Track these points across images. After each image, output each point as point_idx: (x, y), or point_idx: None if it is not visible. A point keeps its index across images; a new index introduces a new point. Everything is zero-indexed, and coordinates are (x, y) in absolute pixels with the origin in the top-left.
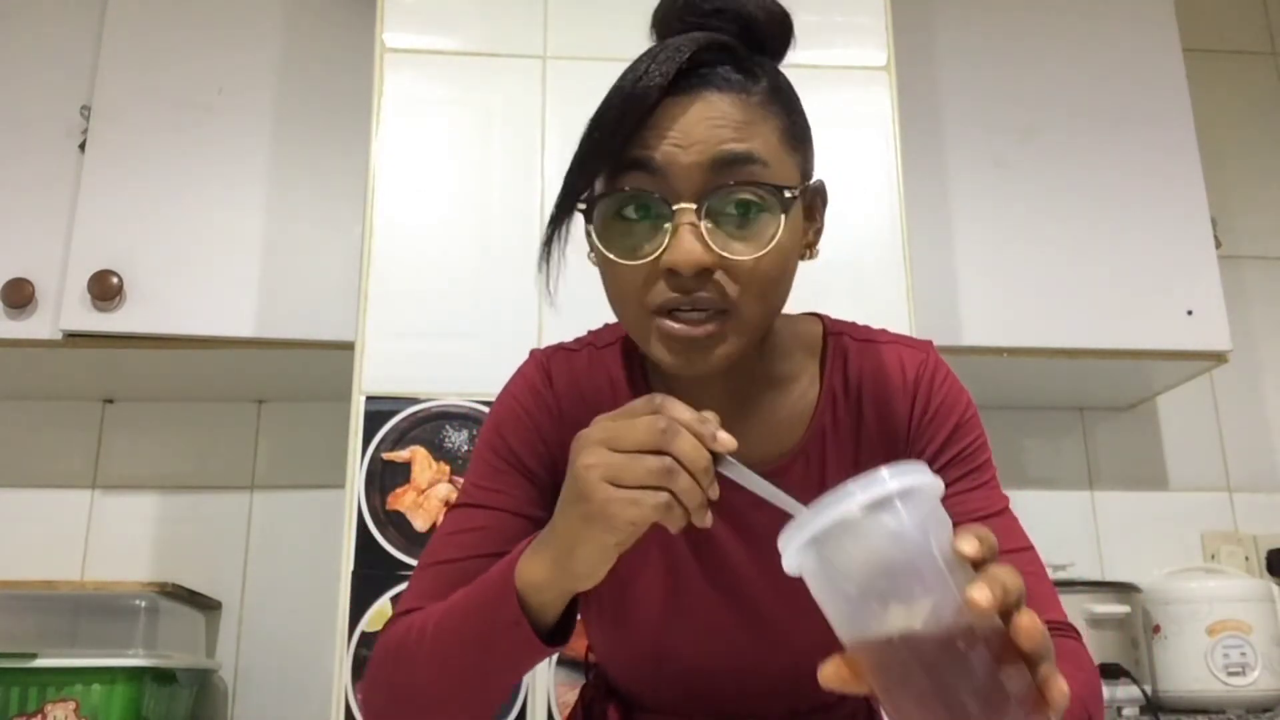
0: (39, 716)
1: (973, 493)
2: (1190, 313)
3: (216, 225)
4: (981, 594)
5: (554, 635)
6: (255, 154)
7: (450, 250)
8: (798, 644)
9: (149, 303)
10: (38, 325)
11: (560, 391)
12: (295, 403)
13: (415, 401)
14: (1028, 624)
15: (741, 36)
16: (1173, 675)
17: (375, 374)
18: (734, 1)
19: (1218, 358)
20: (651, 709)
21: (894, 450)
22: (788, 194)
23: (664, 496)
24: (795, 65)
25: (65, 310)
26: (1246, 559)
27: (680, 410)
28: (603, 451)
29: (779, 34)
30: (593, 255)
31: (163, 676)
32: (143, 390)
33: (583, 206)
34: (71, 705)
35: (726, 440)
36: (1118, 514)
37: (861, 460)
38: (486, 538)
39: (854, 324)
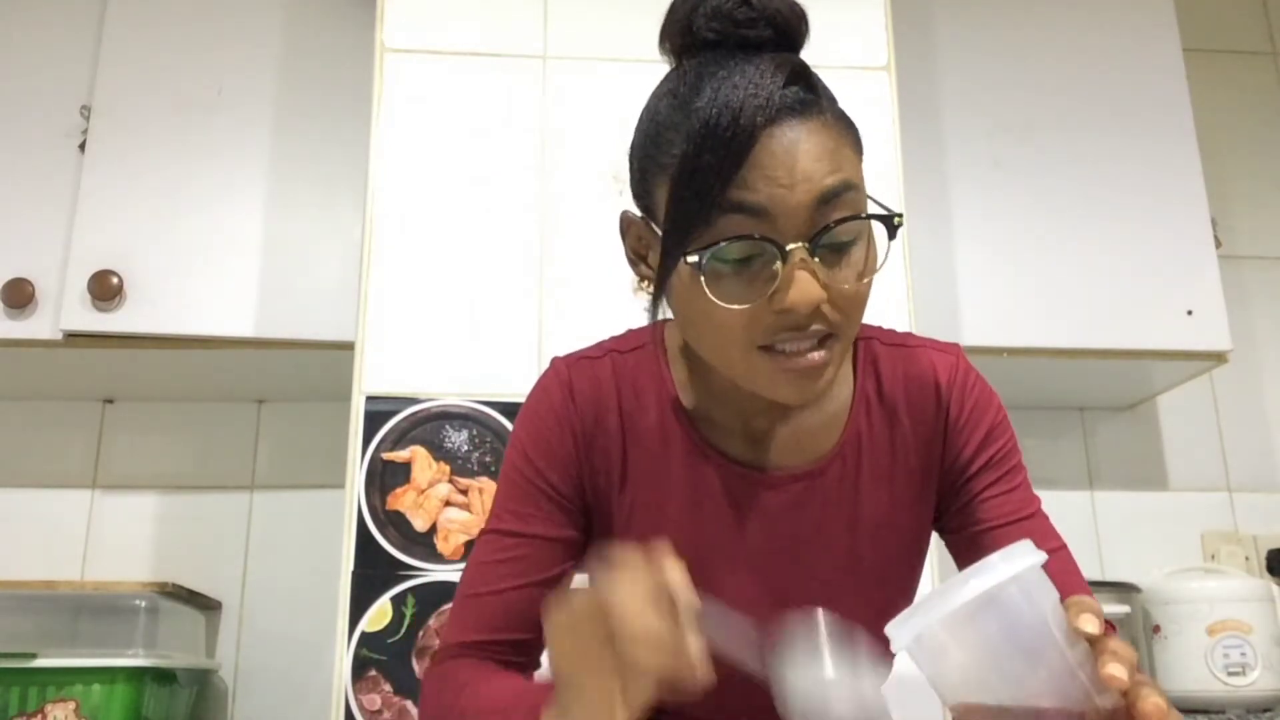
0: (39, 716)
1: (1008, 495)
2: (1190, 313)
3: (216, 225)
4: (1119, 671)
5: None
6: (255, 154)
7: (450, 250)
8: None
9: (149, 303)
10: (38, 325)
11: (582, 405)
12: (295, 403)
13: (415, 401)
14: (1151, 709)
15: (779, 41)
16: (1173, 675)
17: (375, 374)
18: (765, 6)
19: (1218, 358)
20: (671, 708)
21: (929, 454)
22: (889, 221)
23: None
24: None
25: (65, 310)
26: (1246, 559)
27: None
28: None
29: (804, 29)
30: (645, 285)
31: (163, 676)
32: (143, 390)
33: (694, 259)
34: (71, 705)
35: (705, 678)
36: (1118, 514)
37: (896, 464)
38: (526, 567)
39: (881, 328)
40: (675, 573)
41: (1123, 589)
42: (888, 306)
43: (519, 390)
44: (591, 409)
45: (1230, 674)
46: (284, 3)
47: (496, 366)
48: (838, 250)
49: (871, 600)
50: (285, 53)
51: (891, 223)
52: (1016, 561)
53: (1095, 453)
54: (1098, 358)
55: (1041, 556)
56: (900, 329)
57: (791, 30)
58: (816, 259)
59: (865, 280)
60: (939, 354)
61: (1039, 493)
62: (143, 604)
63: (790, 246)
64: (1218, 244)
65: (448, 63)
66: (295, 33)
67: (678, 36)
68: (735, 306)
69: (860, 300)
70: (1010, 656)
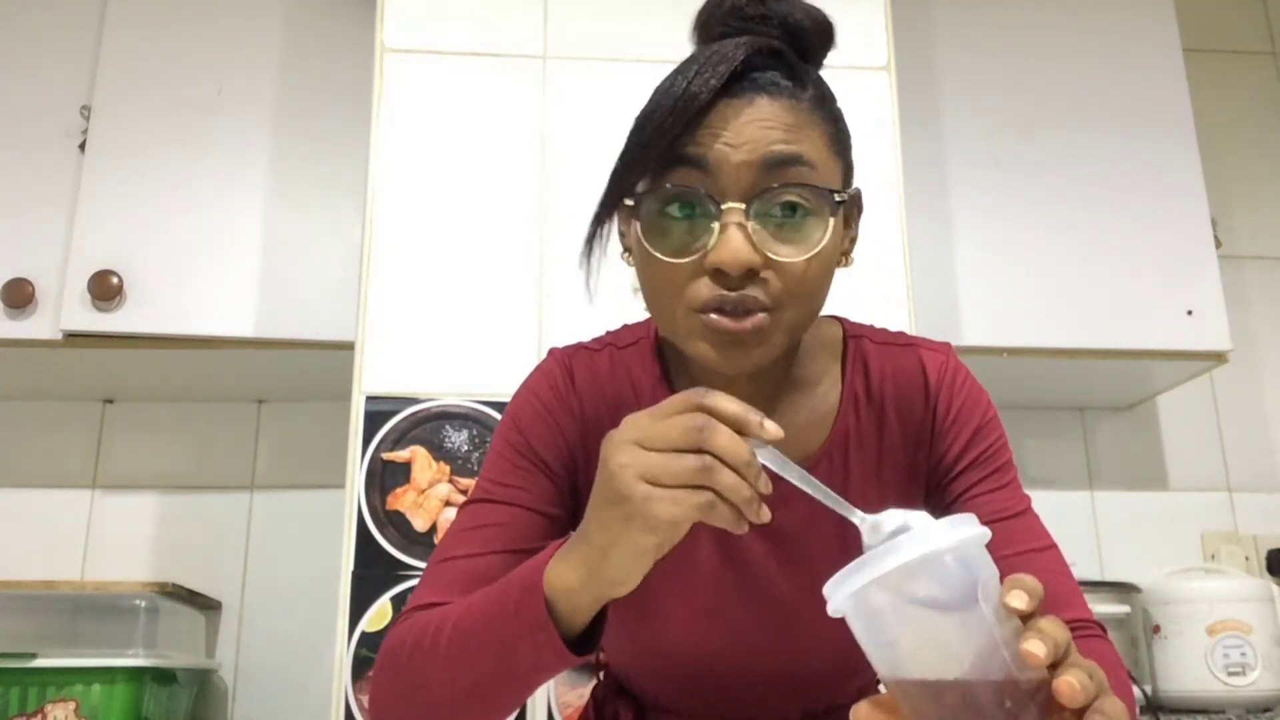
0: (39, 716)
1: (996, 494)
2: (1190, 313)
3: (216, 225)
4: (1036, 648)
5: (579, 644)
6: (255, 154)
7: (450, 250)
8: (816, 642)
9: (149, 303)
10: (38, 325)
11: (582, 391)
12: (295, 403)
13: (415, 401)
14: (1069, 688)
15: (788, 44)
16: (1173, 675)
17: (375, 374)
18: (780, 8)
19: (1218, 358)
20: (666, 709)
21: (917, 452)
22: (836, 197)
23: (706, 495)
24: None
25: (65, 310)
26: (1246, 559)
27: (723, 402)
28: (637, 451)
29: (823, 43)
30: (627, 255)
31: (163, 676)
32: (143, 390)
33: (631, 203)
34: (71, 705)
35: (774, 429)
36: (1118, 514)
37: (884, 462)
38: (503, 534)
39: (873, 326)
40: (744, 408)
41: (1123, 589)
42: (888, 306)
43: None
44: (591, 396)
45: (1230, 674)
46: (284, 3)
47: (496, 366)
48: (783, 222)
49: None
50: (285, 53)
51: (831, 198)
52: (957, 531)
53: (1095, 453)
54: (1098, 358)
55: (983, 531)
56: (898, 328)
57: (804, 37)
58: (755, 223)
59: (810, 258)
60: (929, 352)
61: (1039, 493)
62: (143, 604)
63: (726, 205)
64: (1218, 244)
65: (448, 63)
66: (295, 33)
67: (699, 33)
68: (671, 260)
69: (807, 279)
70: (940, 625)
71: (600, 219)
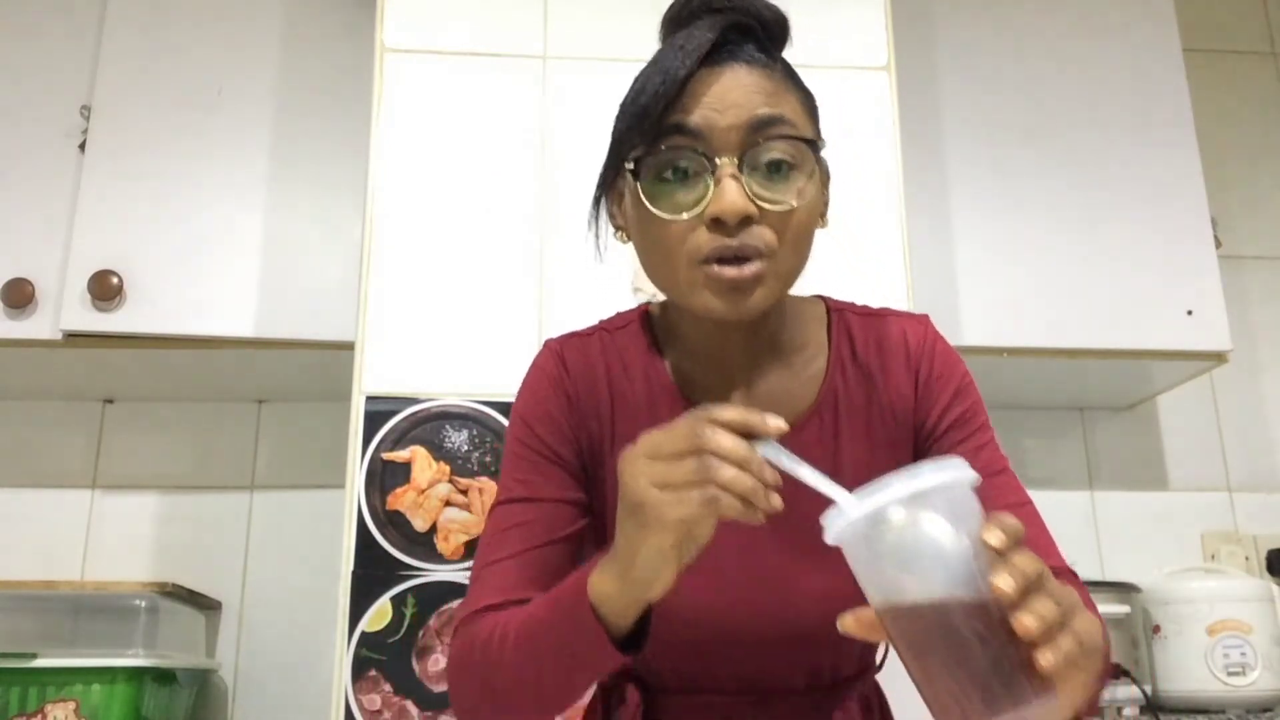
0: (39, 716)
1: (977, 453)
2: (1190, 313)
3: (216, 225)
4: (1005, 582)
5: (629, 643)
6: (255, 154)
7: (450, 250)
8: (812, 600)
9: (149, 303)
10: (38, 325)
11: (575, 375)
12: (295, 403)
13: (415, 401)
14: (1028, 621)
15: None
16: (1173, 675)
17: (375, 374)
18: (744, 3)
19: (1218, 358)
20: (671, 688)
21: (903, 411)
22: (816, 148)
23: (709, 491)
24: (795, 65)
25: (65, 310)
26: (1246, 559)
27: (720, 410)
28: (647, 462)
29: (781, 35)
30: (621, 234)
31: (163, 676)
32: (143, 390)
33: (631, 166)
34: (71, 705)
35: (776, 423)
36: (1118, 514)
37: (873, 422)
38: (537, 530)
39: (853, 302)
40: (744, 411)
41: (1123, 589)
42: (888, 306)
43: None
44: (583, 377)
45: (1230, 674)
46: (284, 3)
47: (496, 366)
48: (772, 173)
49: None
50: (285, 53)
51: (814, 149)
52: (945, 472)
53: (1095, 453)
54: (1098, 358)
55: (971, 474)
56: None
57: (767, 27)
58: (747, 176)
59: (801, 208)
60: (909, 321)
61: (1039, 493)
62: (143, 604)
63: (720, 160)
64: (1218, 244)
65: (448, 63)
66: (295, 33)
67: (669, 26)
68: (672, 217)
69: (796, 227)
70: (923, 556)
71: (605, 183)
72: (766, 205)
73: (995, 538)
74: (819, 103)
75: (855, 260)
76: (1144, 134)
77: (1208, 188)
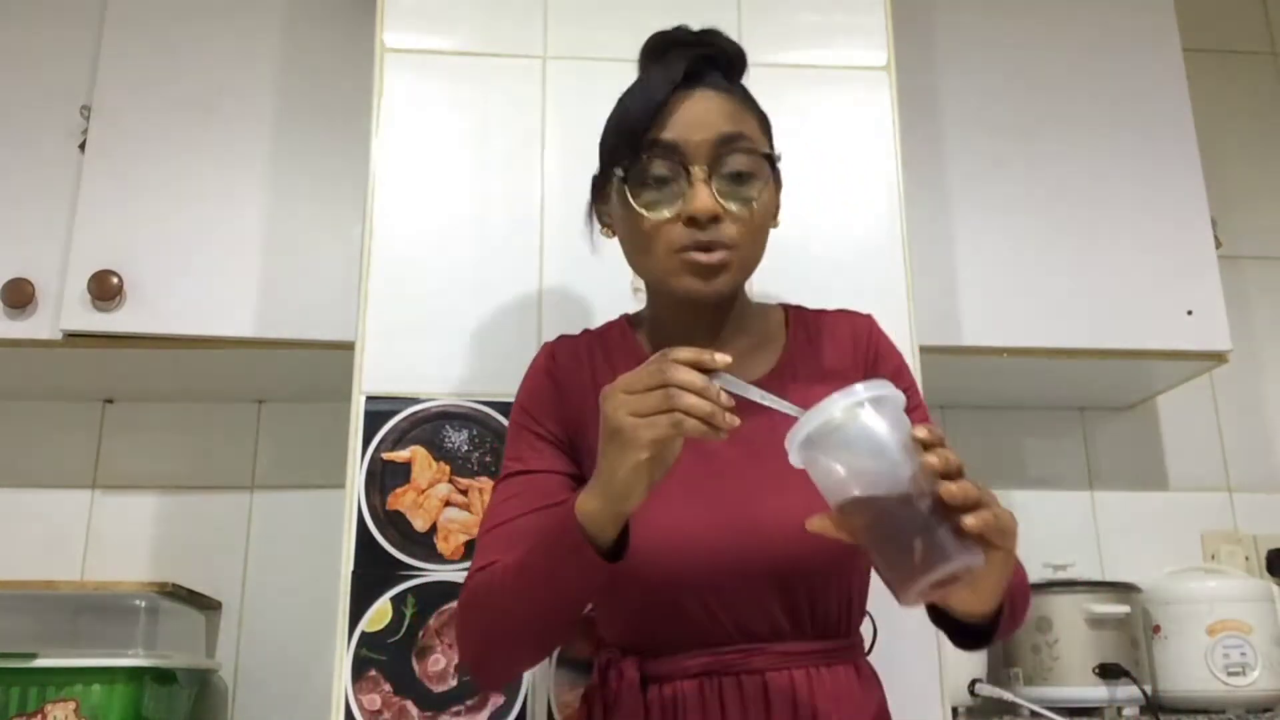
0: (39, 716)
1: (917, 413)
2: (1190, 313)
3: (216, 225)
4: (934, 459)
5: (610, 557)
6: (255, 154)
7: (450, 250)
8: (785, 523)
9: (149, 303)
10: (38, 325)
11: (563, 365)
12: (295, 403)
13: (415, 401)
14: (952, 488)
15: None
16: (1173, 675)
17: (375, 374)
18: (711, 39)
19: (1218, 358)
20: (663, 650)
21: (856, 377)
22: (774, 161)
23: (674, 416)
24: (795, 65)
25: (65, 310)
26: (1246, 559)
27: (678, 351)
28: (621, 395)
29: (741, 66)
30: (606, 232)
31: (163, 676)
32: (143, 390)
33: (621, 173)
34: (71, 705)
35: (722, 357)
36: (1118, 514)
37: (828, 375)
38: (533, 497)
39: (805, 306)
40: (696, 350)
41: (1123, 589)
42: (888, 306)
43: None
44: (569, 363)
45: (1230, 674)
46: (284, 3)
47: (496, 366)
48: (735, 183)
49: (810, 485)
50: (285, 53)
51: (771, 161)
52: (874, 389)
53: (1095, 453)
54: (1098, 358)
55: (898, 393)
56: (900, 329)
57: (731, 59)
58: (715, 183)
59: (758, 211)
60: (855, 315)
61: (1039, 493)
62: (143, 604)
63: (693, 169)
64: (1218, 244)
65: (448, 63)
66: (295, 33)
67: (651, 56)
68: (655, 215)
69: (755, 226)
70: (866, 451)
71: (598, 188)
72: (731, 207)
73: (924, 432)
74: (820, 103)
75: (855, 260)
76: (1144, 134)
77: (1208, 188)
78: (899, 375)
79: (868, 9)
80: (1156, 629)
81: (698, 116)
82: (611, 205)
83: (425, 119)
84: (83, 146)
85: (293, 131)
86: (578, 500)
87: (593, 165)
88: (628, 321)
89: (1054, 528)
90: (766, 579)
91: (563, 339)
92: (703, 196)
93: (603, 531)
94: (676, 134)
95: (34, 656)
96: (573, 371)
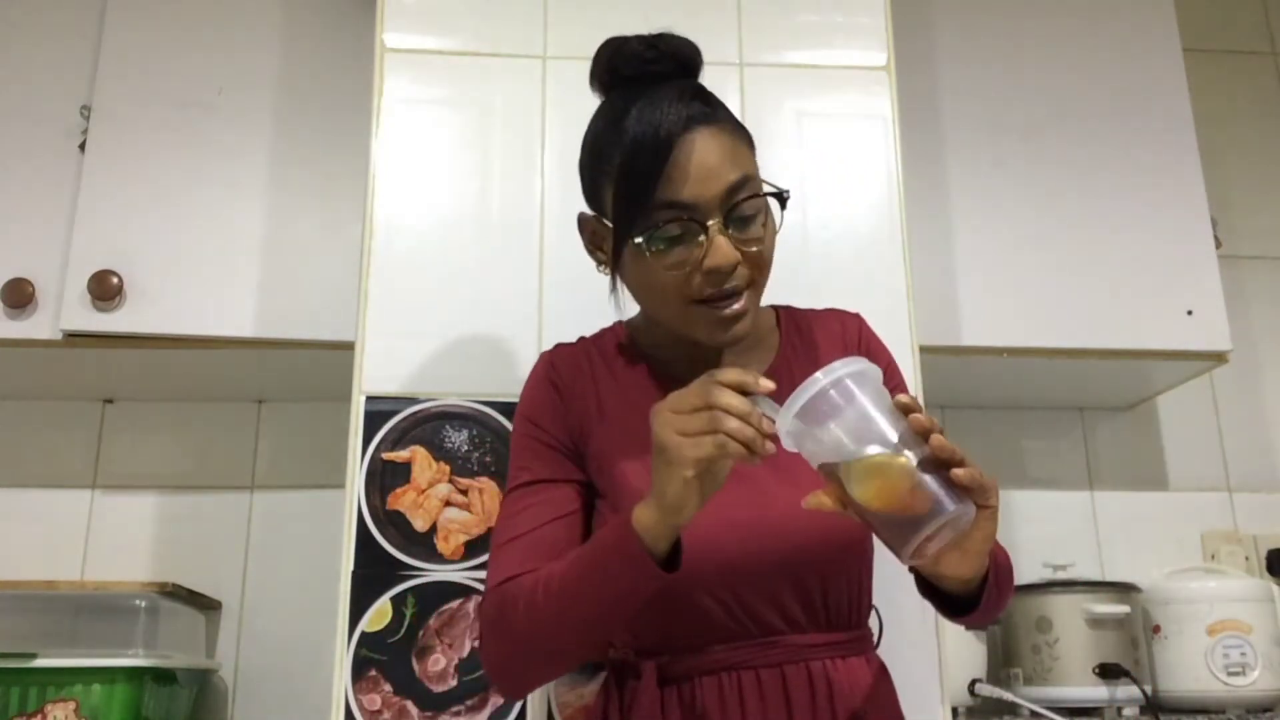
0: (39, 716)
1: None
2: (1190, 313)
3: (216, 225)
4: (922, 417)
5: (666, 566)
6: (255, 154)
7: (450, 250)
8: (800, 520)
9: (149, 303)
10: (38, 325)
11: (563, 373)
12: (295, 403)
13: (415, 401)
14: (940, 440)
15: (682, 71)
16: (1173, 675)
17: (375, 374)
18: (669, 47)
19: (1218, 358)
20: (678, 647)
21: None
22: (779, 197)
23: (718, 437)
24: (795, 65)
25: (65, 310)
26: (1246, 559)
27: (725, 373)
28: (668, 413)
29: (699, 61)
30: (603, 268)
31: (163, 676)
32: (143, 390)
33: (639, 241)
34: (71, 705)
35: (766, 383)
36: (1118, 514)
37: None
38: (548, 508)
39: (794, 306)
40: (741, 373)
41: (1123, 589)
42: (887, 306)
43: (519, 390)
44: (569, 371)
45: (1230, 674)
46: (284, 3)
47: (496, 366)
48: (744, 224)
49: (817, 480)
50: (285, 53)
51: (781, 197)
52: (851, 365)
53: (1095, 453)
54: (1098, 358)
55: (874, 366)
56: (900, 329)
57: (690, 63)
58: (730, 231)
59: (767, 243)
60: (844, 314)
61: (1039, 493)
62: (143, 604)
63: (710, 223)
64: (1218, 244)
65: (448, 63)
66: (295, 33)
67: (605, 75)
68: (674, 272)
69: (766, 259)
70: (852, 421)
71: (616, 255)
72: (747, 250)
73: (906, 398)
74: (820, 103)
75: (855, 260)
76: (1144, 134)
77: (1208, 188)
78: (889, 373)
79: (868, 9)
80: (1156, 629)
81: (704, 168)
82: (609, 245)
83: (425, 119)
84: (83, 146)
85: (292, 131)
86: (635, 512)
87: None
88: (624, 329)
89: (1054, 528)
90: (779, 570)
91: (560, 348)
92: (723, 250)
93: (658, 543)
94: (691, 193)
95: (34, 656)
96: (574, 379)
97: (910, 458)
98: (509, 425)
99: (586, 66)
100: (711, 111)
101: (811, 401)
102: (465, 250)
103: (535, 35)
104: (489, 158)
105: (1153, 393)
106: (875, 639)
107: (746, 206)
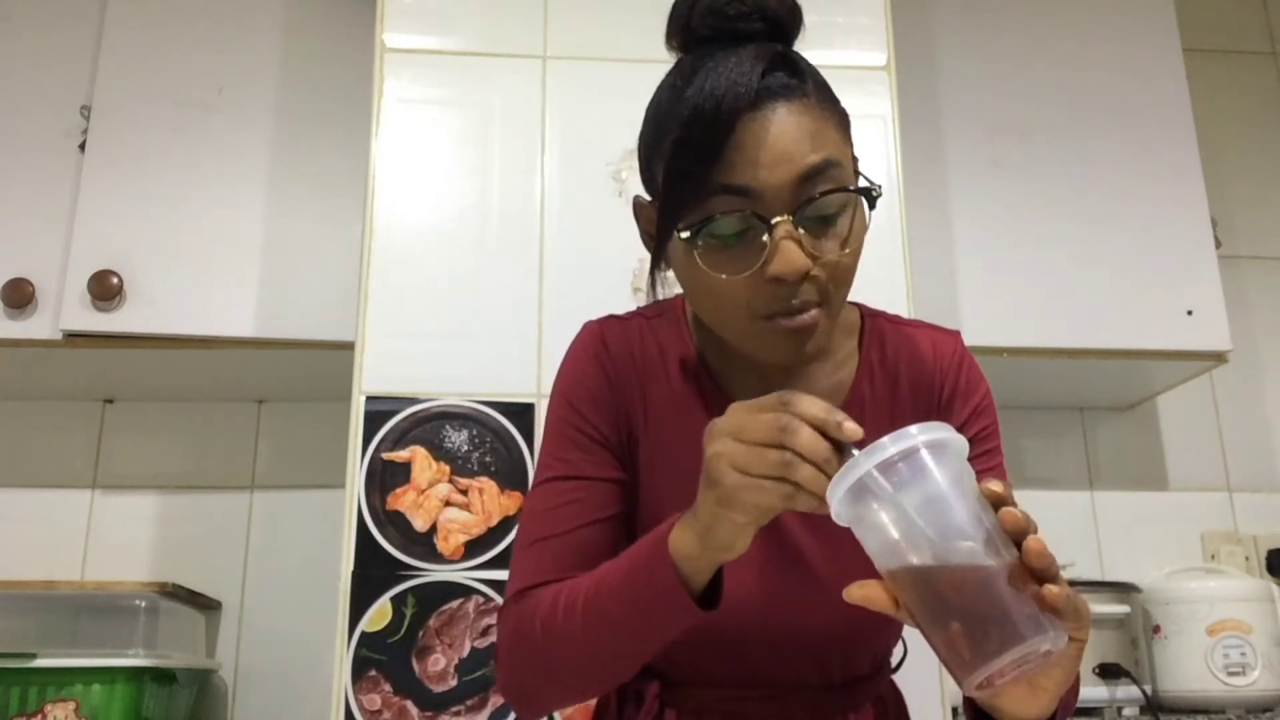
0: (39, 716)
1: (990, 471)
2: (1190, 313)
3: (216, 225)
4: (1015, 513)
5: (703, 601)
6: (255, 154)
7: (450, 250)
8: (836, 605)
9: (149, 303)
10: (38, 325)
11: (615, 355)
12: (295, 403)
13: (415, 401)
14: (1038, 546)
15: (770, 33)
16: (1173, 675)
17: (375, 374)
18: (758, 1)
19: (1218, 358)
20: (688, 680)
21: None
22: (867, 194)
23: (787, 487)
24: None
25: (65, 310)
26: (1246, 559)
27: (806, 406)
28: (729, 442)
29: (796, 24)
30: (663, 264)
31: (163, 676)
32: (143, 390)
33: (685, 235)
34: (71, 705)
35: (852, 430)
36: (1118, 514)
37: (896, 427)
38: (583, 509)
39: (885, 311)
40: (828, 410)
41: (1123, 589)
42: (888, 306)
43: (519, 390)
44: (622, 357)
45: (1230, 674)
46: (284, 3)
47: (496, 366)
48: (823, 222)
49: (863, 555)
50: (285, 53)
51: (870, 194)
52: (932, 433)
53: (1095, 453)
54: (1098, 358)
55: (960, 437)
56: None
57: (782, 22)
58: (802, 230)
59: (851, 249)
60: (940, 334)
61: (1039, 493)
62: (143, 604)
63: (775, 220)
64: (1218, 244)
65: (448, 63)
66: (295, 33)
67: (679, 34)
68: (727, 277)
69: (848, 269)
70: (925, 513)
71: (659, 252)
72: (822, 256)
73: (997, 485)
74: None
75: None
76: (1144, 134)
77: (1208, 188)
78: (978, 416)
79: (868, 9)
80: (1156, 629)
81: (775, 147)
82: (662, 244)
83: (425, 119)
84: (83, 146)
85: (293, 131)
86: (672, 536)
87: (592, 165)
88: (683, 315)
89: (1054, 528)
90: (799, 650)
91: (611, 320)
92: (791, 254)
93: (698, 575)
94: (752, 178)
95: (34, 656)
96: (625, 365)
97: (994, 566)
98: (509, 425)
99: (586, 66)
100: (797, 84)
101: (873, 477)
102: (465, 250)
103: (535, 35)
104: (489, 157)
105: (1153, 393)
106: (896, 663)
107: (827, 202)
